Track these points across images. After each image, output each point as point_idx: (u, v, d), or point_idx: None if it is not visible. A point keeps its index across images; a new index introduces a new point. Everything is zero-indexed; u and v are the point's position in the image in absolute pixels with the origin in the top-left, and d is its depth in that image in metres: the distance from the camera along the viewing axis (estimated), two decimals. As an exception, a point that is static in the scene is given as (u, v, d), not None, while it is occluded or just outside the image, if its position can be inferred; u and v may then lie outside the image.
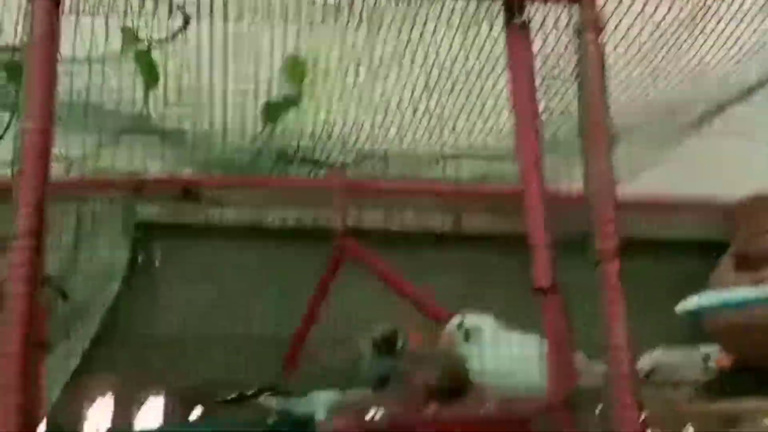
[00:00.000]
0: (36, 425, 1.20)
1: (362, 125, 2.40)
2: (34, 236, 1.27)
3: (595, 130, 1.54)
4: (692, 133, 2.60)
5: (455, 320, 1.83)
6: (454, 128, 2.35)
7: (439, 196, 2.64)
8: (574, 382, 1.54)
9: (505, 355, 1.60)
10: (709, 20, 2.13)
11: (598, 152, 1.58)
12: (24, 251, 1.26)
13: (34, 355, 1.23)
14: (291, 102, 2.33)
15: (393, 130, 2.40)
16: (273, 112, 2.36)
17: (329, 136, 2.44)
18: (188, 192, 2.61)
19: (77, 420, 2.54)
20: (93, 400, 2.57)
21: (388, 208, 2.66)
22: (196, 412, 2.71)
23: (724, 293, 1.94)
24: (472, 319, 1.84)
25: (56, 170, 2.45)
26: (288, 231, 2.60)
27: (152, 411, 2.70)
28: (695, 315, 2.00)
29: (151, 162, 2.54)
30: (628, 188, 2.69)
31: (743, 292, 1.94)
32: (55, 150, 2.22)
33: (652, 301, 2.64)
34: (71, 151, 2.47)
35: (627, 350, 1.50)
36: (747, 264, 2.52)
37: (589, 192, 1.58)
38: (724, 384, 1.98)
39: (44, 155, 1.31)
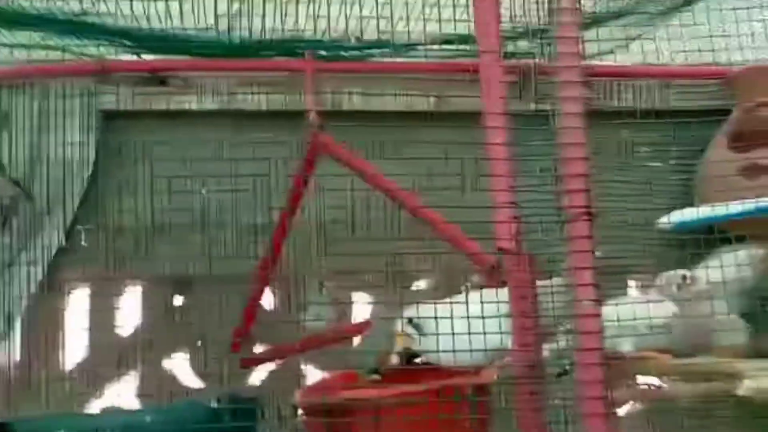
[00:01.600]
0: None
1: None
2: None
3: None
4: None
5: (404, 318, 1.80)
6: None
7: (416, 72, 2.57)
8: (538, 349, 1.54)
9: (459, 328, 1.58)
10: None
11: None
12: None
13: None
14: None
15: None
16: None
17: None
18: (155, 77, 2.53)
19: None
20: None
21: (367, 88, 2.60)
22: (178, 301, 2.74)
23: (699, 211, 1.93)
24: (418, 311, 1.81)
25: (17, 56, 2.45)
26: (260, 114, 2.55)
27: (132, 300, 2.73)
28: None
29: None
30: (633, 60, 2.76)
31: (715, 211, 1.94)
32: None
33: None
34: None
35: (595, 319, 1.50)
36: (740, 142, 2.49)
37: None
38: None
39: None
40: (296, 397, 1.72)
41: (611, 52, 2.55)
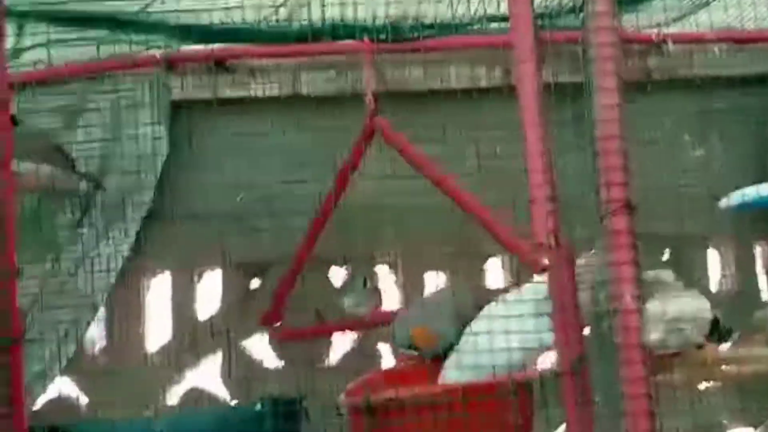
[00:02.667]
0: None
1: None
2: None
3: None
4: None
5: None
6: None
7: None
8: (580, 347, 1.52)
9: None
10: None
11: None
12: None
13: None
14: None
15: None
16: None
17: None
18: (221, 64, 2.56)
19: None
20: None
21: (428, 64, 2.59)
22: (254, 284, 2.78)
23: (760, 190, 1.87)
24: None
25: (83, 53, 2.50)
26: (324, 98, 2.56)
27: (211, 285, 2.78)
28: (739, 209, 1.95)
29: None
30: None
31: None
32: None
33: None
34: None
35: (636, 315, 1.48)
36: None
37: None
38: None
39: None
40: (341, 397, 1.74)
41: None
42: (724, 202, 1.88)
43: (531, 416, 1.73)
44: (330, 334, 2.38)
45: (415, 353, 1.86)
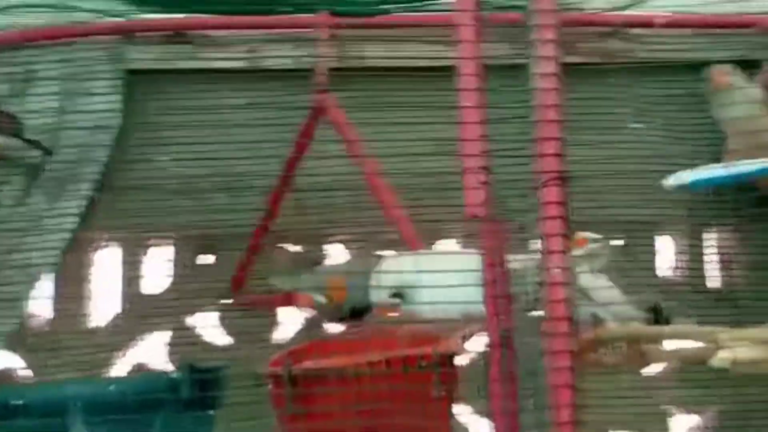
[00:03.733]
0: None
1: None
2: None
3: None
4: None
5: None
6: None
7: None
8: (508, 321, 1.50)
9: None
10: None
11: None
12: None
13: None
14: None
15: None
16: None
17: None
18: (179, 34, 2.53)
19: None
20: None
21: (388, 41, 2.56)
22: (205, 260, 2.76)
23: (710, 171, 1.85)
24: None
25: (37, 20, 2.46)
26: (283, 72, 2.52)
27: (161, 259, 2.75)
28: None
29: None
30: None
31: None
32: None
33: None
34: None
35: (565, 287, 1.46)
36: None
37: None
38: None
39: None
40: (263, 366, 1.72)
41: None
42: (672, 181, 1.85)
43: (455, 388, 1.71)
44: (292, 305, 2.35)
45: (324, 302, 1.85)
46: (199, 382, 1.62)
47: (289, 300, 2.31)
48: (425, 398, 1.61)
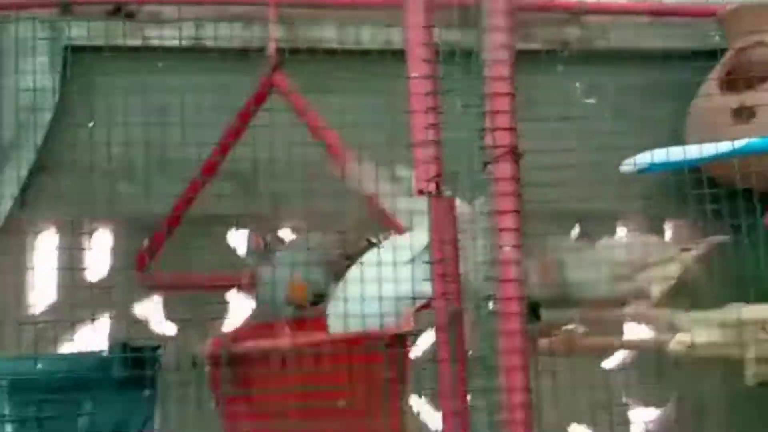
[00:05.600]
0: None
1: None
2: None
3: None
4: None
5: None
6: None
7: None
8: (457, 301, 1.44)
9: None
10: None
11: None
12: None
13: None
14: None
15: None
16: None
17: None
18: (119, 9, 2.45)
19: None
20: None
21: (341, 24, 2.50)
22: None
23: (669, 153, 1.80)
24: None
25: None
26: (228, 52, 2.45)
27: (100, 243, 2.66)
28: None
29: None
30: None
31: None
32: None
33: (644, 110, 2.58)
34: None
35: (516, 266, 1.40)
36: (733, 84, 2.37)
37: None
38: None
39: None
40: (203, 346, 1.65)
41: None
42: (628, 165, 1.79)
43: (405, 370, 1.65)
44: (204, 288, 2.27)
45: (299, 311, 1.77)
46: (133, 361, 1.55)
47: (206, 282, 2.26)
48: (373, 380, 1.56)
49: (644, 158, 1.82)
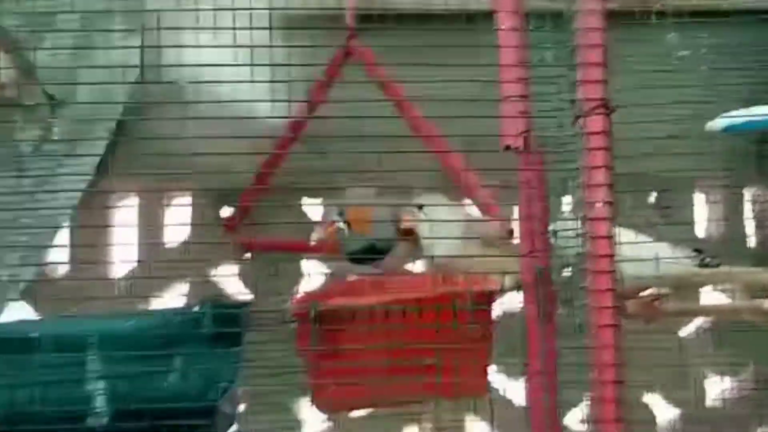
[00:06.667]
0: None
1: None
2: None
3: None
4: None
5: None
6: None
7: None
8: (546, 258, 1.42)
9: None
10: None
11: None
12: None
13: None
14: None
15: None
16: None
17: None
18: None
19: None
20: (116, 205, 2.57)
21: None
22: (225, 212, 2.69)
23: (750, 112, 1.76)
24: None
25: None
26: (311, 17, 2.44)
27: (179, 212, 2.68)
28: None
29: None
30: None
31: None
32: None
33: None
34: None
35: (608, 223, 1.38)
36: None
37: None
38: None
39: None
40: (288, 304, 1.65)
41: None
42: (711, 125, 1.76)
43: (490, 327, 1.64)
44: (294, 251, 2.28)
45: (342, 226, 1.78)
46: (222, 318, 1.56)
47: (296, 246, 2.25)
48: (460, 339, 1.55)
49: (739, 114, 1.78)
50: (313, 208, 2.59)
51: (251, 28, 2.34)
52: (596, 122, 1.39)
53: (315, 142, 2.37)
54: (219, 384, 1.56)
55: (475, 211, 1.92)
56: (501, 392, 2.35)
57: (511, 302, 1.68)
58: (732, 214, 2.47)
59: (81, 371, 1.58)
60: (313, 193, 2.56)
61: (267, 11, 2.42)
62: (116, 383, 1.53)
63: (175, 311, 1.73)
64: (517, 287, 1.50)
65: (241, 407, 1.78)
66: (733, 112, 1.75)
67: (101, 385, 1.53)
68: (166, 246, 2.49)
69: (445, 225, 1.71)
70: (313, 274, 2.33)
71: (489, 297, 1.61)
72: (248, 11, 2.35)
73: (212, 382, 1.58)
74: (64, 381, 1.57)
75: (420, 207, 1.78)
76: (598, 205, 1.38)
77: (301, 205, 2.55)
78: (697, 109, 2.19)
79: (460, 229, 1.70)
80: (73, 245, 2.56)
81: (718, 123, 1.75)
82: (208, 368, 1.53)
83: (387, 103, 2.19)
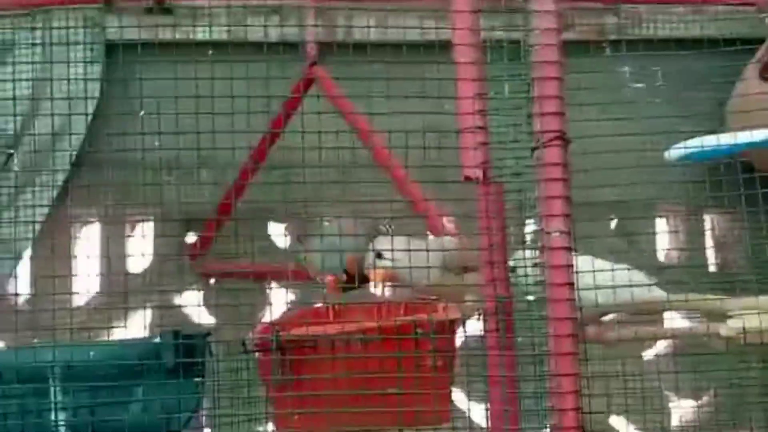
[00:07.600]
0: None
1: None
2: None
3: None
4: None
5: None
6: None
7: None
8: (505, 287, 1.44)
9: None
10: None
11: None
12: None
13: None
14: None
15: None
16: None
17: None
18: (160, 4, 2.46)
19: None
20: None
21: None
22: (190, 238, 2.70)
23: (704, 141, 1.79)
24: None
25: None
26: (269, 45, 2.45)
27: (142, 236, 2.68)
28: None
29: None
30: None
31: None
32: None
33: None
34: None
35: (566, 252, 1.40)
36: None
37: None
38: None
39: None
40: (251, 333, 1.66)
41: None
42: (674, 153, 1.78)
43: (454, 359, 1.65)
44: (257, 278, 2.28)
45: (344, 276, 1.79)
46: (183, 348, 1.56)
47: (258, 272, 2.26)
48: (421, 368, 1.56)
49: (694, 144, 1.80)
50: (277, 236, 2.62)
51: (213, 61, 2.40)
52: (553, 153, 1.41)
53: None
54: (181, 414, 1.57)
55: (440, 241, 1.94)
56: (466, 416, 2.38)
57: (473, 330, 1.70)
58: (691, 240, 2.51)
59: (42, 402, 1.59)
60: (277, 218, 2.58)
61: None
62: (77, 414, 1.54)
63: (136, 342, 1.73)
64: (478, 315, 1.52)
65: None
66: (688, 142, 1.78)
67: (62, 415, 1.54)
68: (128, 274, 2.49)
69: (411, 254, 1.72)
70: (276, 303, 2.34)
71: (451, 325, 1.63)
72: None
73: (174, 412, 1.59)
74: (25, 412, 1.58)
75: (378, 255, 1.78)
76: (555, 234, 1.40)
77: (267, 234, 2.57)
78: (654, 137, 2.24)
79: (426, 258, 1.71)
80: (34, 273, 2.58)
81: (674, 153, 1.78)
82: (170, 398, 1.54)
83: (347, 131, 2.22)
